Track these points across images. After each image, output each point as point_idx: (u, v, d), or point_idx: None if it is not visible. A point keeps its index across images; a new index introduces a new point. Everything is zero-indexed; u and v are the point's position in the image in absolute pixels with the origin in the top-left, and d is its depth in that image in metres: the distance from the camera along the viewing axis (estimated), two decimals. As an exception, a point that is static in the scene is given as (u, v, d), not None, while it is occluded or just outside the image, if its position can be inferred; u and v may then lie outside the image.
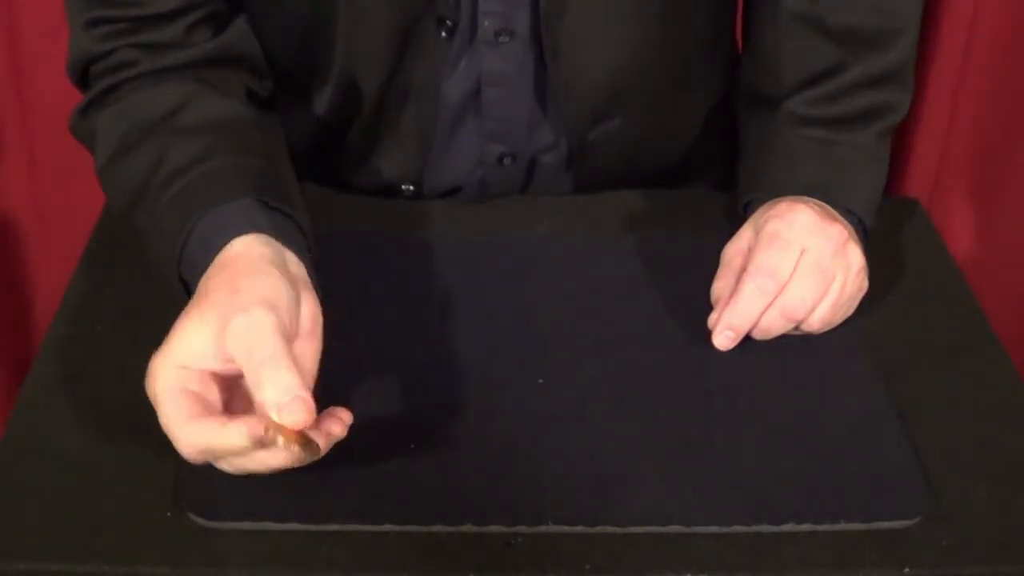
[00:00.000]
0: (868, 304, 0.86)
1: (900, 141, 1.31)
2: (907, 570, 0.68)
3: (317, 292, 0.76)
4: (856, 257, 0.85)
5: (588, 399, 0.77)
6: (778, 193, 0.89)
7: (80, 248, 0.92)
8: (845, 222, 0.87)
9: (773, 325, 0.83)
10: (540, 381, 0.79)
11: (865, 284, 0.86)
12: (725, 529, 0.70)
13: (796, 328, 0.84)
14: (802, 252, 0.83)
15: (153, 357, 0.70)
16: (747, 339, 0.83)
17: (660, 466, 0.73)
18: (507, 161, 0.97)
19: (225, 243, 0.76)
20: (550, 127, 0.96)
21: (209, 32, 0.88)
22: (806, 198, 0.88)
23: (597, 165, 0.99)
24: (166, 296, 0.85)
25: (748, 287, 0.82)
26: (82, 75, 0.89)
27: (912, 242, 0.96)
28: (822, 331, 0.84)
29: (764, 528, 0.70)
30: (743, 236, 0.87)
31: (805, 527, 0.70)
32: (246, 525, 0.68)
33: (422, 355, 0.81)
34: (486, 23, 0.90)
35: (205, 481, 0.71)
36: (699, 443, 0.75)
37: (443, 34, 0.90)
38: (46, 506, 0.70)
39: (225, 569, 0.67)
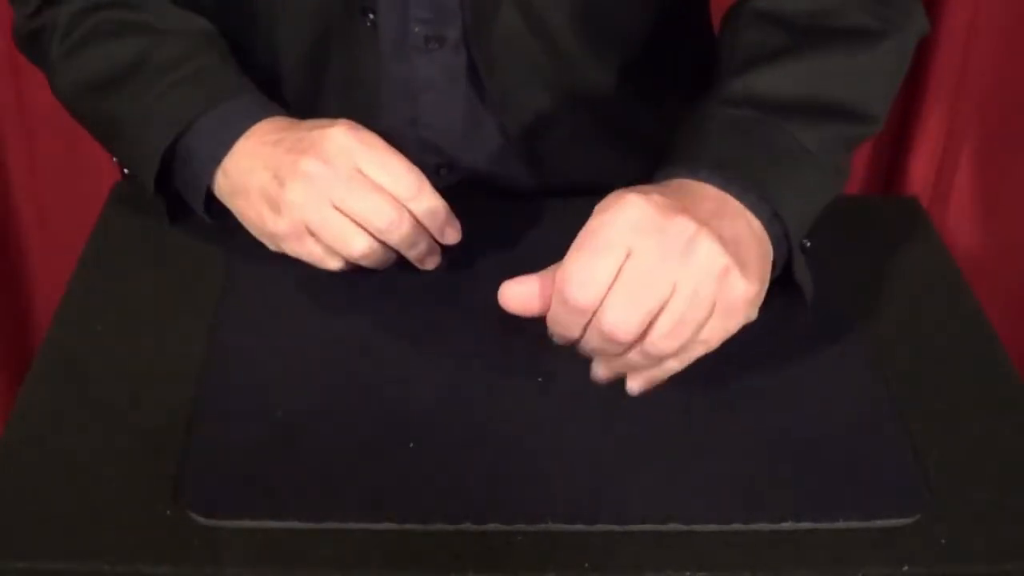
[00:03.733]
0: (868, 304, 0.86)
1: (900, 141, 1.31)
2: (906, 568, 0.68)
3: None
4: (710, 258, 0.69)
5: (587, 397, 0.77)
6: (678, 163, 0.77)
7: (80, 248, 0.92)
8: (718, 215, 0.72)
9: (599, 348, 0.71)
10: (539, 380, 0.79)
11: (742, 288, 0.71)
12: (724, 527, 0.70)
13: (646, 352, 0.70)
14: (627, 256, 0.69)
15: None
16: (747, 340, 0.82)
17: (659, 464, 0.73)
18: (443, 172, 0.96)
19: (249, 125, 0.84)
20: (490, 139, 0.95)
21: None
22: (694, 182, 0.74)
23: (557, 177, 0.97)
24: (166, 297, 0.86)
25: (555, 305, 0.71)
26: None
27: (912, 242, 0.96)
28: (682, 353, 0.71)
29: (763, 526, 0.70)
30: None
31: (804, 525, 0.70)
32: (246, 523, 0.69)
33: (421, 354, 0.81)
34: (416, 29, 0.90)
35: (205, 479, 0.71)
36: (698, 441, 0.75)
37: (367, 24, 0.89)
38: (46, 505, 0.70)
39: (225, 567, 0.67)
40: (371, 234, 0.81)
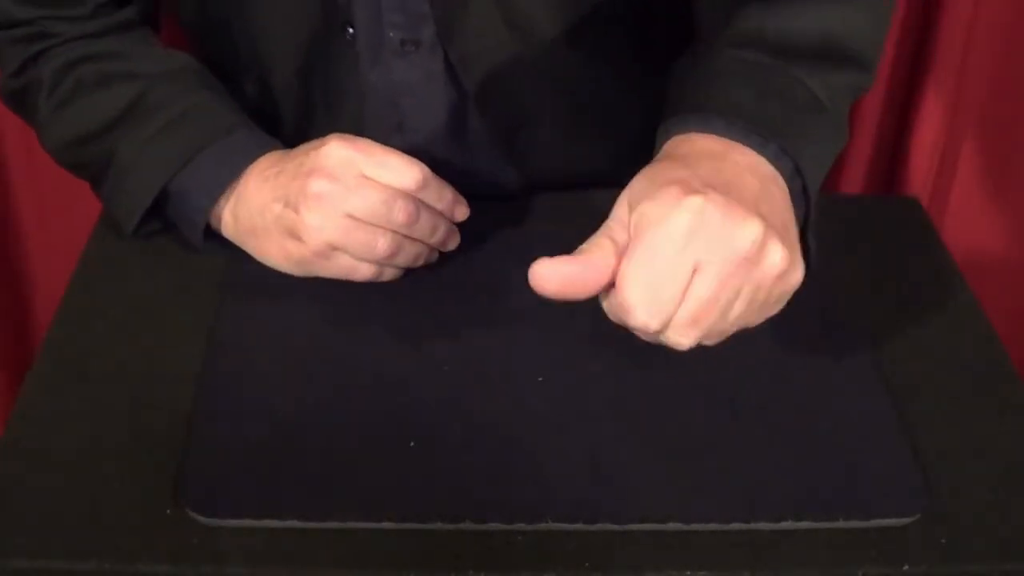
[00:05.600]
0: (868, 304, 0.86)
1: (900, 141, 1.31)
2: (906, 567, 0.68)
3: None
4: (775, 263, 0.66)
5: (587, 397, 0.78)
6: (691, 111, 0.74)
7: (80, 248, 0.92)
8: (770, 199, 0.69)
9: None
10: (540, 379, 0.79)
11: (793, 283, 0.69)
12: (724, 526, 0.70)
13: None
14: (694, 271, 0.65)
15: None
16: (747, 339, 0.82)
17: (659, 464, 0.73)
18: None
19: (245, 164, 0.85)
20: (475, 138, 0.95)
21: (113, 9, 0.93)
22: (710, 139, 0.71)
23: (544, 173, 0.97)
24: (166, 297, 0.86)
25: (615, 311, 0.67)
26: None
27: (912, 242, 0.96)
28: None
29: (763, 525, 0.70)
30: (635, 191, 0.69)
31: (804, 524, 0.70)
32: (246, 523, 0.69)
33: (421, 353, 0.81)
34: (391, 34, 0.90)
35: (206, 479, 0.71)
36: (698, 441, 0.75)
37: (347, 38, 0.90)
38: (46, 505, 0.70)
39: (225, 567, 0.67)
40: (393, 231, 0.83)
